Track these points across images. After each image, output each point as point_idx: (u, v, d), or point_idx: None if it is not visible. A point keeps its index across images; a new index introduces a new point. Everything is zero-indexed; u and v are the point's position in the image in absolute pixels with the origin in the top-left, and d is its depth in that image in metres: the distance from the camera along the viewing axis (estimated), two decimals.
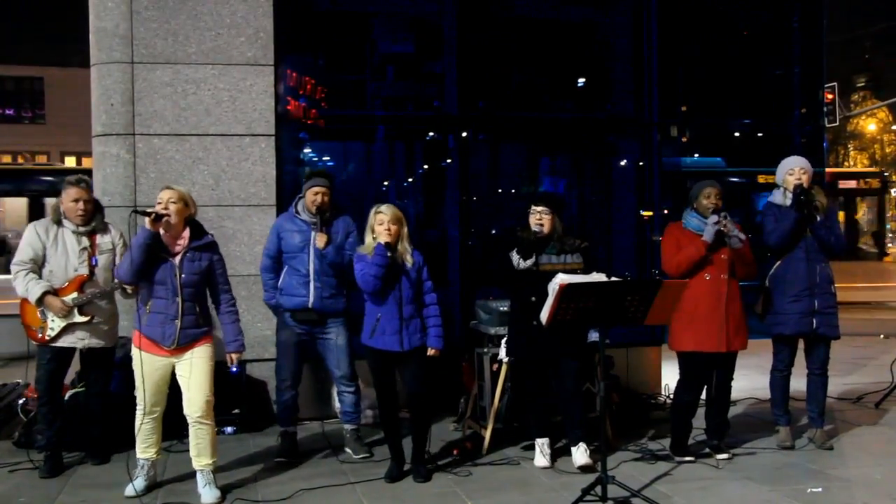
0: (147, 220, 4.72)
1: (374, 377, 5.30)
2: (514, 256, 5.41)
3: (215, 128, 6.56)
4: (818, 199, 5.71)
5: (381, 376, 5.26)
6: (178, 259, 4.81)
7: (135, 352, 4.88)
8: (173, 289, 4.79)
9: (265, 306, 6.52)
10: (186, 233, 4.87)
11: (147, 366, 4.84)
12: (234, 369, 6.37)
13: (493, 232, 8.16)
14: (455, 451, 5.75)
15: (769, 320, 5.81)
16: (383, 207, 5.21)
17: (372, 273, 5.05)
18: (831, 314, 5.72)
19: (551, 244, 5.47)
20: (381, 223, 5.13)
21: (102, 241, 5.40)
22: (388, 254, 5.06)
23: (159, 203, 4.79)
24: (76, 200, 5.30)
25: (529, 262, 5.37)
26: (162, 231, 4.77)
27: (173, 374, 4.94)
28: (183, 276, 4.80)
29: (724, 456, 5.57)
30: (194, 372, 4.86)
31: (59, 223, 5.35)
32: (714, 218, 5.35)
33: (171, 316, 4.79)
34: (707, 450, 5.65)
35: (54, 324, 5.29)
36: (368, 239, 5.19)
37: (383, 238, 5.09)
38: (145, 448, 4.99)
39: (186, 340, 4.84)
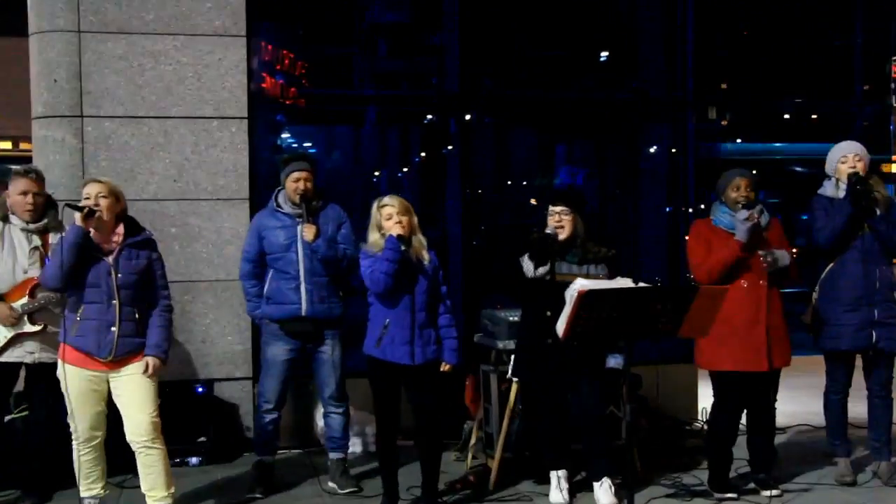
0: (78, 215, 4.68)
1: (376, 394, 5.19)
2: (526, 262, 5.30)
3: (178, 109, 6.50)
4: (878, 189, 5.63)
5: (384, 394, 5.15)
6: (112, 258, 4.77)
7: (65, 368, 4.80)
8: (109, 291, 4.74)
9: (237, 316, 6.54)
10: (120, 229, 4.85)
11: (80, 383, 4.77)
12: (200, 389, 6.36)
13: (501, 229, 8.13)
14: (458, 486, 5.68)
15: (821, 333, 5.74)
16: (387, 199, 5.13)
17: (383, 270, 4.92)
18: (894, 326, 5.65)
19: (572, 251, 5.39)
20: (390, 217, 5.03)
21: (56, 239, 5.32)
22: (403, 247, 4.97)
23: (87, 198, 4.76)
24: (24, 193, 5.31)
25: (544, 269, 5.25)
26: (92, 230, 4.74)
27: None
28: (119, 276, 4.76)
29: (774, 492, 5.48)
30: (135, 389, 4.79)
31: (5, 219, 5.36)
32: (744, 213, 5.27)
33: (108, 322, 4.73)
34: (752, 485, 5.57)
35: (0, 335, 5.26)
36: (375, 236, 5.09)
37: (395, 230, 4.99)
38: (90, 484, 4.92)
39: (124, 351, 4.77)
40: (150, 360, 4.82)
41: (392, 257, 4.90)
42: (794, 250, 5.53)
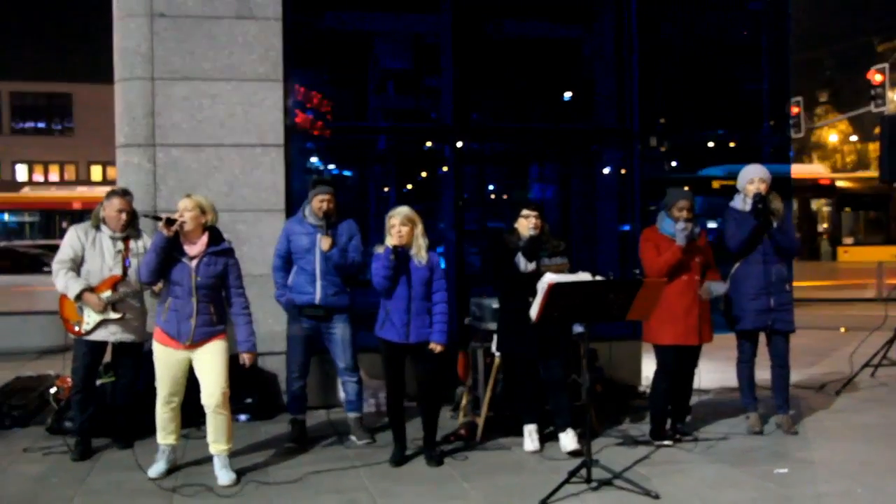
0: (160, 224, 4.73)
1: (384, 366, 5.28)
2: (522, 261, 5.34)
3: (229, 139, 6.53)
4: (774, 204, 5.73)
5: (390, 365, 5.24)
6: (195, 262, 4.81)
7: (155, 346, 4.91)
8: (189, 289, 4.79)
9: (275, 304, 6.46)
10: (205, 238, 4.85)
11: (165, 359, 4.86)
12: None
13: (491, 237, 8.11)
14: (452, 438, 5.73)
15: (730, 317, 5.83)
16: (396, 210, 5.17)
17: (381, 274, 5.06)
18: (786, 310, 5.76)
19: (543, 246, 5.45)
20: (393, 226, 5.11)
21: (135, 245, 5.45)
22: (392, 256, 5.04)
23: (177, 211, 4.80)
24: (120, 211, 5.37)
25: (535, 265, 5.33)
26: (181, 236, 4.77)
27: (191, 367, 4.93)
28: (199, 278, 4.79)
29: (690, 438, 5.63)
30: (211, 366, 4.86)
31: (97, 228, 5.42)
32: (682, 224, 5.41)
33: (187, 314, 4.78)
34: (678, 435, 5.66)
35: (90, 318, 5.34)
36: (387, 240, 5.17)
37: (393, 241, 5.07)
38: (165, 435, 5.00)
39: (201, 337, 4.83)
40: (246, 356, 4.91)
41: (386, 264, 5.03)
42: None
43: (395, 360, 5.23)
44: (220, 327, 4.91)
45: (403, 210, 5.18)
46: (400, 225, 5.10)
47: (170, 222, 4.71)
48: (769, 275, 5.70)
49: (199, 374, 4.89)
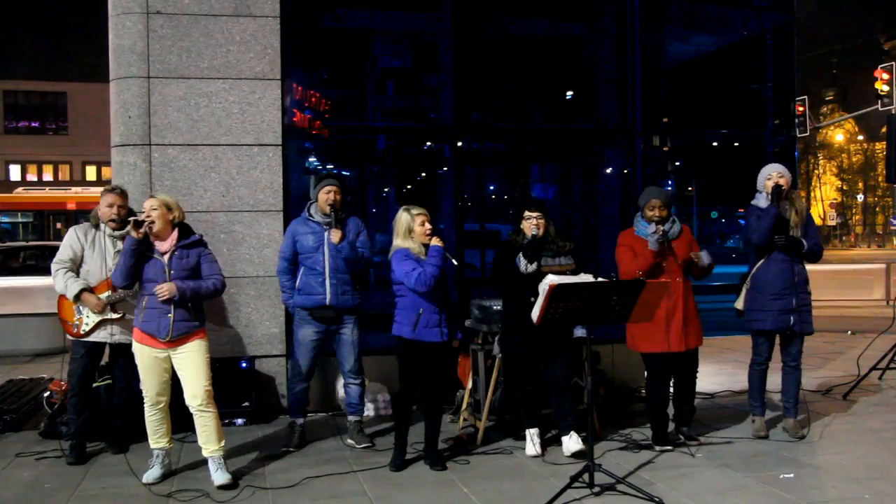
0: (129, 227, 4.78)
1: (406, 370, 5.20)
2: (522, 261, 5.35)
3: (226, 138, 6.54)
4: (797, 203, 5.70)
5: (413, 369, 5.19)
6: (167, 258, 4.85)
7: (135, 347, 4.93)
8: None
9: (273, 306, 6.51)
10: (174, 234, 4.91)
11: (147, 358, 4.88)
12: (244, 364, 6.42)
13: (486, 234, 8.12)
14: (452, 442, 5.72)
15: (750, 316, 5.78)
16: (417, 208, 5.19)
17: (433, 274, 5.02)
18: (807, 312, 5.73)
19: (547, 246, 5.45)
20: (423, 223, 5.13)
21: None
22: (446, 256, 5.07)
23: (143, 212, 4.86)
24: (111, 205, 5.40)
25: (535, 265, 5.33)
26: (152, 235, 4.83)
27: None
28: (172, 272, 4.83)
29: (694, 442, 5.61)
30: (191, 364, 4.88)
31: (97, 227, 5.46)
32: (652, 227, 5.38)
33: (165, 310, 4.81)
34: (681, 438, 5.65)
35: (89, 319, 5.37)
36: (407, 241, 5.13)
37: (437, 241, 5.07)
38: (157, 438, 5.01)
39: (180, 333, 4.85)
40: (169, 284, 4.75)
41: (440, 263, 5.04)
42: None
43: (420, 362, 5.18)
44: (197, 323, 4.93)
45: (420, 208, 5.21)
46: (428, 221, 5.14)
47: (138, 224, 4.76)
48: (791, 274, 5.65)
49: (181, 373, 4.90)
